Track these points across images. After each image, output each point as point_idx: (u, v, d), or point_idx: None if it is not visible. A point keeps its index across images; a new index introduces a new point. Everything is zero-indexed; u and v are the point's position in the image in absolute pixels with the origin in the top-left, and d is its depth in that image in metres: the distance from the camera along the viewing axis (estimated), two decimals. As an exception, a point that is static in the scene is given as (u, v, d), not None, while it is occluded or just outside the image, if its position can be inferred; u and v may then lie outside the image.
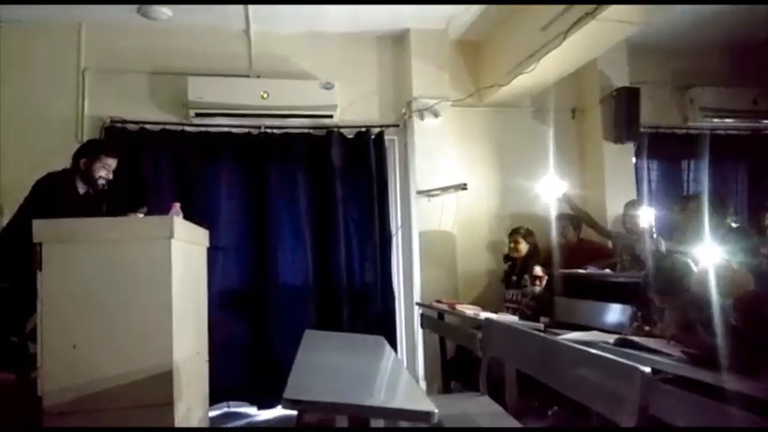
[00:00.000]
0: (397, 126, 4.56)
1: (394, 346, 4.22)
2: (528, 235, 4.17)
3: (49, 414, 2.28)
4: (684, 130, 5.13)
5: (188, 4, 3.85)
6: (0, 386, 3.06)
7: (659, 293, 2.47)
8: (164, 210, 2.92)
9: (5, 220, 3.16)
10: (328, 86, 4.29)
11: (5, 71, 4.06)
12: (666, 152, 5.08)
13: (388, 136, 4.54)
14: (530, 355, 2.43)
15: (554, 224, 4.49)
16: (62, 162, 3.13)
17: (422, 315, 4.25)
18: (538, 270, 3.91)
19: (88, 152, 3.14)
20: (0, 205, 3.71)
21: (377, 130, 4.49)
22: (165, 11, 3.90)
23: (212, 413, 3.66)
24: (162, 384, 2.38)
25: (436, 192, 4.37)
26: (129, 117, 4.13)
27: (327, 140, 4.39)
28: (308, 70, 4.44)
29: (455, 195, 4.40)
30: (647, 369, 1.61)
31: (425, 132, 4.42)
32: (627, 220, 4.11)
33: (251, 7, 4.04)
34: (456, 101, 4.54)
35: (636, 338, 2.37)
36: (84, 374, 2.33)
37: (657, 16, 3.44)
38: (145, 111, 4.21)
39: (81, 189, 3.13)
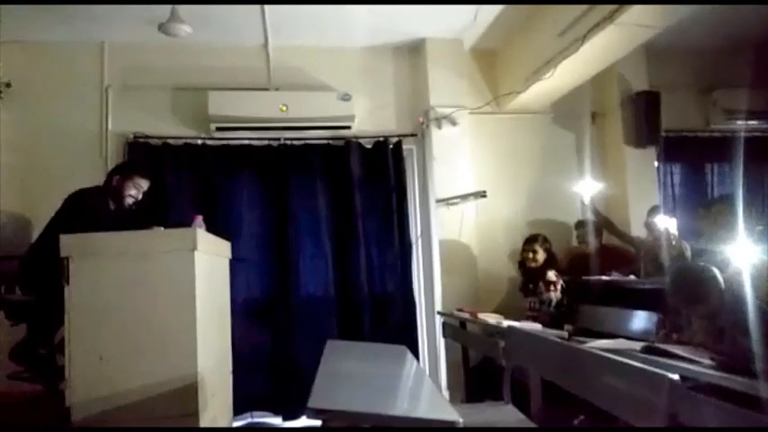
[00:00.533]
0: (415, 135, 4.57)
1: (416, 355, 4.19)
2: (545, 242, 4.12)
3: (77, 425, 2.31)
4: (707, 133, 5.06)
5: (205, 4, 3.90)
6: (29, 398, 3.13)
7: (684, 302, 2.43)
8: (186, 222, 2.96)
9: (33, 236, 3.22)
10: (346, 98, 4.32)
11: (31, 89, 4.17)
12: (689, 156, 5.02)
13: (407, 145, 4.55)
14: (554, 364, 2.40)
15: (575, 231, 4.45)
16: (87, 177, 3.21)
17: (443, 324, 4.23)
18: (551, 275, 3.84)
19: (123, 170, 3.23)
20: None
21: (395, 139, 4.50)
22: (185, 28, 3.97)
23: (236, 423, 3.68)
24: (187, 395, 2.40)
25: (455, 200, 4.36)
26: (152, 132, 4.21)
27: (346, 151, 4.42)
28: (325, 82, 4.48)
29: (474, 203, 4.39)
30: (676, 377, 1.58)
31: (443, 141, 4.42)
32: (651, 226, 4.04)
33: (269, 22, 4.10)
34: (474, 109, 4.54)
35: (664, 346, 2.33)
36: (111, 386, 2.35)
37: (676, 18, 3.39)
38: (167, 126, 4.28)
39: (112, 205, 3.19)
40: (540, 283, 3.89)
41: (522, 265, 4.19)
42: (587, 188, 4.36)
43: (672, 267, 2.80)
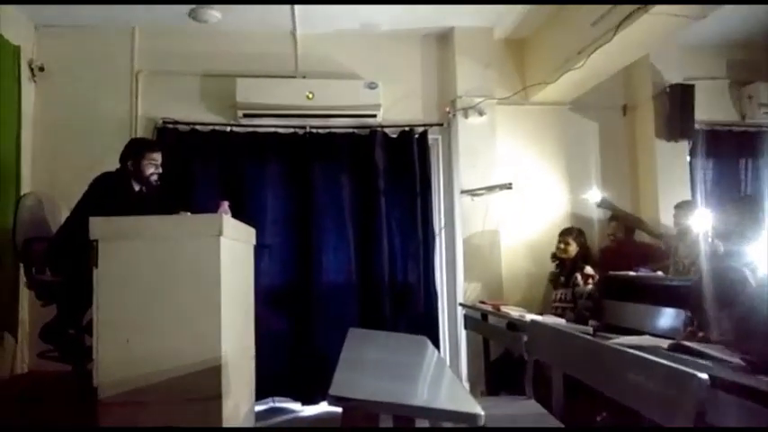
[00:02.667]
0: (441, 125, 4.53)
1: (437, 346, 4.19)
2: (579, 235, 4.08)
3: (104, 404, 2.36)
4: (742, 128, 4.93)
5: (237, 4, 3.91)
6: (58, 377, 3.20)
7: (715, 305, 2.38)
8: (212, 208, 2.98)
9: (62, 218, 3.28)
10: (372, 86, 4.30)
11: (63, 73, 4.25)
12: (723, 150, 4.89)
13: (432, 135, 4.52)
14: (578, 359, 2.37)
15: (606, 225, 4.39)
16: (117, 161, 3.23)
17: (465, 316, 4.21)
18: (589, 269, 3.85)
19: (133, 153, 3.20)
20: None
21: (420, 129, 4.47)
22: (215, 14, 3.99)
23: (257, 408, 3.71)
24: (211, 378, 2.43)
25: (480, 191, 4.32)
26: (181, 118, 4.25)
27: (371, 140, 4.41)
28: (352, 70, 4.47)
29: (500, 195, 4.34)
30: (705, 376, 1.55)
31: (470, 131, 4.38)
32: (677, 222, 3.96)
33: (297, 9, 4.09)
34: (502, 99, 4.48)
35: (691, 344, 2.28)
36: (137, 367, 2.39)
37: (710, 9, 3.29)
38: (195, 112, 4.32)
39: (136, 187, 3.22)
40: (578, 275, 3.86)
41: (555, 256, 4.16)
42: (595, 190, 4.32)
43: (705, 268, 2.74)
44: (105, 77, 4.29)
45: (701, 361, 2.07)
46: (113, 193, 3.03)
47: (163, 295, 2.46)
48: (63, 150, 4.15)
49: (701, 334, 2.53)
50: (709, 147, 4.79)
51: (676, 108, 4.47)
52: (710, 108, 4.76)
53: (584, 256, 4.05)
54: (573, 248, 4.04)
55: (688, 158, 4.70)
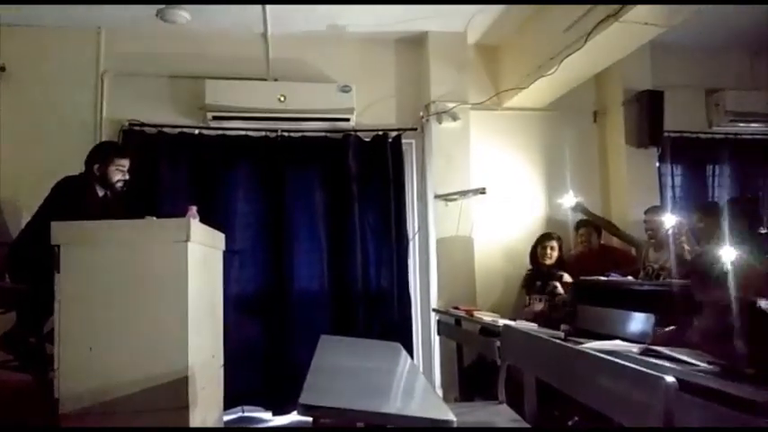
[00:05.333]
0: (415, 130, 4.52)
1: (410, 352, 4.17)
2: (559, 239, 4.12)
3: (65, 416, 2.29)
4: (710, 135, 5.02)
5: (206, 4, 3.85)
6: (18, 387, 3.09)
7: (698, 286, 2.40)
8: (180, 213, 2.92)
9: (24, 222, 3.18)
10: (346, 89, 4.27)
11: (26, 74, 4.12)
12: (691, 157, 4.98)
13: (406, 140, 4.50)
14: (550, 364, 2.37)
15: (579, 230, 4.43)
16: (81, 164, 3.16)
17: (438, 321, 4.20)
18: (567, 277, 3.89)
19: (100, 157, 3.14)
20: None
21: (394, 133, 4.46)
22: (184, 14, 3.92)
23: (227, 417, 3.65)
24: (177, 388, 2.38)
25: (454, 196, 4.32)
26: (148, 120, 4.16)
27: (344, 144, 4.38)
28: (325, 73, 4.44)
29: (474, 200, 4.35)
30: (672, 379, 1.56)
31: (444, 136, 4.38)
32: (647, 227, 4.01)
33: (269, 11, 4.04)
34: (475, 104, 4.49)
35: (661, 348, 2.30)
36: (100, 377, 2.34)
37: (682, 18, 3.36)
38: (163, 114, 4.23)
39: (100, 192, 3.14)
40: (558, 284, 3.87)
41: (534, 260, 4.15)
42: (570, 194, 4.38)
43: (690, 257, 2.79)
44: (69, 79, 4.17)
45: (669, 365, 2.09)
46: (76, 198, 2.95)
47: (128, 302, 2.41)
48: (25, 153, 4.01)
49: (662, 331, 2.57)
50: (678, 153, 4.87)
51: (645, 114, 4.54)
52: (679, 115, 4.84)
53: (561, 262, 4.08)
54: (556, 254, 4.06)
55: (657, 164, 4.77)
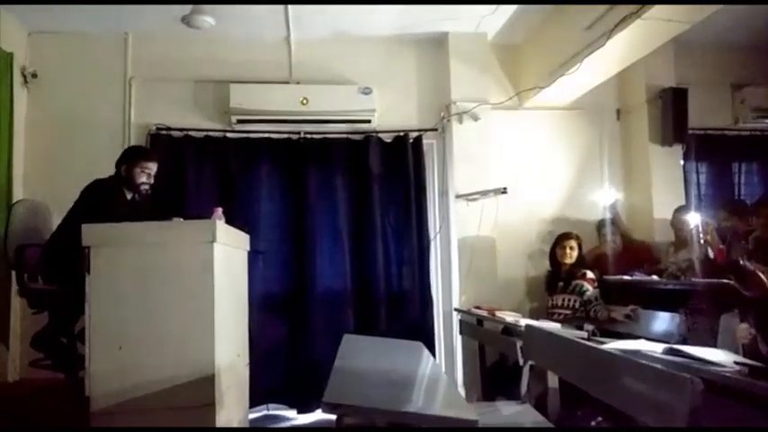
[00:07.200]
0: (436, 130, 4.53)
1: (432, 352, 4.17)
2: (578, 239, 4.08)
3: (96, 414, 2.34)
4: (735, 132, 4.94)
5: (231, 4, 3.91)
6: (50, 386, 3.18)
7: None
8: (207, 214, 2.97)
9: (56, 224, 3.26)
10: (366, 91, 4.30)
11: (56, 79, 4.23)
12: (716, 154, 4.90)
13: (427, 140, 4.51)
14: (573, 364, 2.36)
15: (604, 229, 4.39)
16: (110, 168, 3.22)
17: (460, 321, 4.20)
18: (591, 274, 3.88)
19: (128, 159, 3.22)
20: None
21: (415, 134, 4.47)
22: (209, 20, 3.98)
23: (252, 415, 3.69)
24: (204, 386, 2.42)
25: (475, 196, 4.31)
26: (174, 124, 4.23)
27: (365, 145, 4.40)
28: (346, 76, 4.46)
29: (495, 199, 4.33)
30: (698, 379, 1.54)
31: (464, 136, 4.37)
32: (676, 226, 3.95)
33: (291, 15, 4.09)
34: (496, 104, 4.48)
35: (686, 348, 2.28)
36: (130, 375, 2.38)
37: (705, 14, 3.30)
38: (189, 118, 4.31)
39: (128, 195, 3.21)
40: (584, 282, 3.85)
41: (554, 261, 4.13)
42: (608, 192, 4.33)
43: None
44: (98, 84, 4.27)
45: (695, 365, 2.07)
46: (106, 200, 3.02)
47: (155, 302, 2.45)
48: (55, 157, 4.13)
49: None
50: (703, 151, 4.80)
51: (670, 112, 4.48)
52: (704, 112, 4.77)
53: (582, 260, 4.05)
54: (576, 253, 4.03)
55: (682, 162, 4.71)
